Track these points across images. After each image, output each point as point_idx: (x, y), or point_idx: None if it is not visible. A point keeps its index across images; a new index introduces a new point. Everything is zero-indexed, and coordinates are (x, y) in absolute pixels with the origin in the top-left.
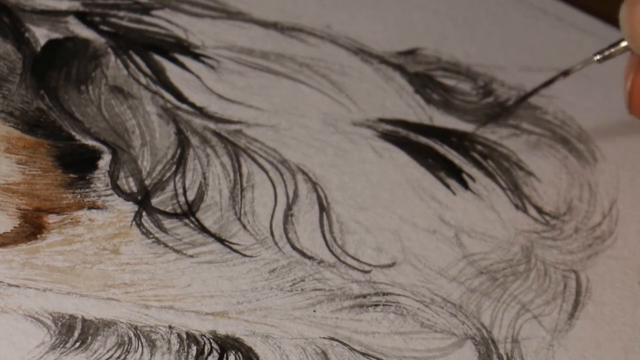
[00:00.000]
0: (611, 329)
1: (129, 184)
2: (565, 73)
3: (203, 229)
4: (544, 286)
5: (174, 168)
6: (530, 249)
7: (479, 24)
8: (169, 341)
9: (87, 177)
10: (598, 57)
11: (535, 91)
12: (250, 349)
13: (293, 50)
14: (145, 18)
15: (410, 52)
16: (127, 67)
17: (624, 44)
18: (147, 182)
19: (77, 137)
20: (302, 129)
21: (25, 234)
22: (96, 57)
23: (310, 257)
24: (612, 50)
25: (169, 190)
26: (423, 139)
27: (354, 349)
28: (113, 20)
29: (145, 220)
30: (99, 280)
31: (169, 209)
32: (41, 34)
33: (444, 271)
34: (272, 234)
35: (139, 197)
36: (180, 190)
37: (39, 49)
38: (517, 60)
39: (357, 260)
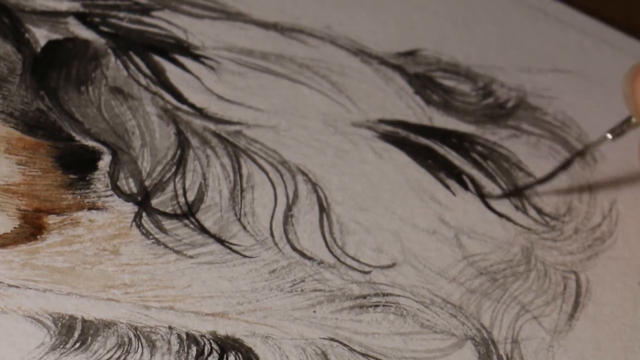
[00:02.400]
0: (611, 330)
1: (129, 184)
2: (581, 153)
3: (203, 230)
4: (544, 287)
5: (174, 169)
6: (530, 249)
7: (479, 25)
8: (169, 342)
9: (87, 178)
10: (610, 135)
11: (552, 175)
12: (250, 350)
13: (293, 51)
14: (145, 19)
15: (410, 53)
16: (127, 68)
17: (634, 119)
18: (147, 183)
19: (77, 137)
20: (302, 129)
21: (25, 235)
22: (96, 58)
23: (310, 258)
24: (624, 126)
25: (169, 191)
26: (423, 140)
27: (354, 350)
28: (113, 21)
29: (145, 221)
30: (99, 281)
31: (169, 209)
32: (41, 35)
33: (444, 272)
34: (272, 234)
35: (139, 198)
36: (180, 191)
37: (39, 49)
38: (517, 61)
39: (357, 261)
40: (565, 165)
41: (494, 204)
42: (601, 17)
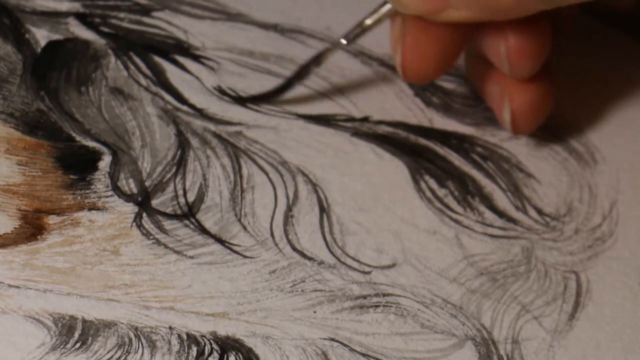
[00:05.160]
0: (611, 330)
1: (129, 185)
2: (317, 59)
3: (203, 230)
4: (544, 287)
5: (174, 169)
6: (531, 250)
7: None
8: (169, 342)
9: (88, 179)
10: (344, 41)
11: (288, 84)
12: (250, 350)
13: (293, 52)
14: (146, 19)
15: None
16: (127, 68)
17: (369, 21)
18: (147, 184)
19: (78, 138)
20: (302, 130)
21: (26, 235)
22: (96, 59)
23: (310, 258)
24: (359, 30)
25: (169, 192)
26: (423, 141)
27: (354, 350)
28: (113, 21)
29: (146, 221)
30: (100, 281)
31: (169, 210)
32: (41, 35)
33: (445, 272)
34: (272, 235)
35: (139, 199)
36: (180, 192)
37: (39, 50)
38: None
39: (358, 261)
40: (299, 75)
41: (496, 205)
42: (600, 16)
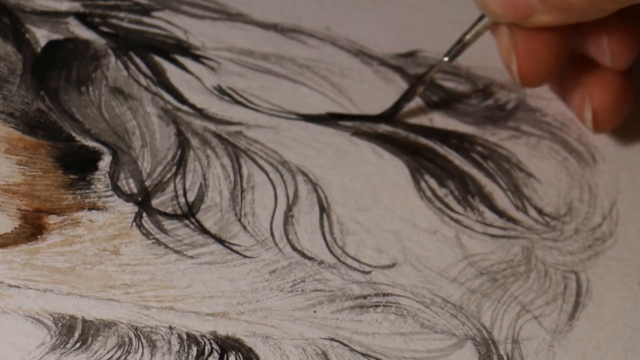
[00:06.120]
0: (611, 330)
1: (129, 185)
2: (423, 81)
3: (203, 230)
4: (544, 287)
5: (174, 169)
6: (531, 250)
7: None
8: (169, 342)
9: (88, 178)
10: (446, 58)
11: (400, 104)
12: (250, 350)
13: (293, 52)
14: (146, 19)
15: (410, 54)
16: (127, 68)
17: (468, 36)
18: (147, 183)
19: (78, 138)
20: (302, 130)
21: (26, 235)
22: (96, 58)
23: (310, 258)
24: (459, 46)
25: (169, 192)
26: (423, 140)
27: (354, 350)
28: (113, 21)
29: (146, 221)
30: (100, 281)
31: (169, 210)
32: (41, 35)
33: (445, 272)
34: (272, 235)
35: (139, 198)
36: (180, 192)
37: (39, 50)
38: None
39: (358, 261)
40: (407, 95)
41: (497, 204)
42: None
